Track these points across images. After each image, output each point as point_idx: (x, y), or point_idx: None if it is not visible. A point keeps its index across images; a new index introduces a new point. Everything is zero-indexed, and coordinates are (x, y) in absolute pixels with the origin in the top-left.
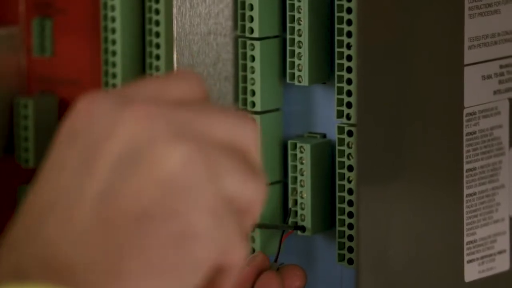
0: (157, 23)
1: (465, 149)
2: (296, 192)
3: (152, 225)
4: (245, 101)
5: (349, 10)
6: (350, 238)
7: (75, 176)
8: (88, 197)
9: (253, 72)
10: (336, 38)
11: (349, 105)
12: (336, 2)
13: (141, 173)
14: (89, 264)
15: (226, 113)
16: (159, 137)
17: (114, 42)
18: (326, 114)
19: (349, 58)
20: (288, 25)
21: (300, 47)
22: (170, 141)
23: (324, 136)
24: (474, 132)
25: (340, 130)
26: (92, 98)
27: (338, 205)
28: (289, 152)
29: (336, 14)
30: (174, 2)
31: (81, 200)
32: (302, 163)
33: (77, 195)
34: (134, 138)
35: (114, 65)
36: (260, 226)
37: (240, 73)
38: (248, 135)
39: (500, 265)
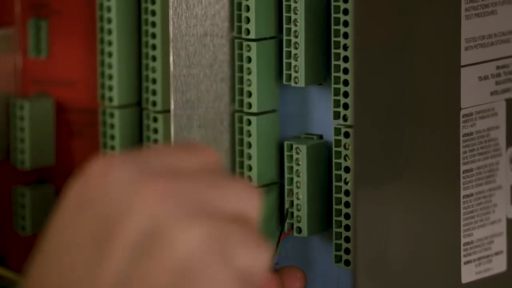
0: (153, 24)
1: (461, 150)
2: (292, 194)
3: None
4: (241, 102)
5: (345, 11)
6: (347, 239)
7: (87, 263)
8: (105, 285)
9: (249, 73)
10: (333, 39)
11: (345, 106)
12: (333, 3)
13: (155, 259)
14: None
15: (235, 185)
16: (174, 219)
17: (110, 43)
18: (323, 115)
19: (345, 59)
20: (284, 26)
21: (296, 48)
22: (185, 224)
23: (320, 137)
24: (471, 133)
25: (337, 131)
26: (107, 164)
27: (334, 207)
28: (285, 153)
29: (333, 15)
30: (170, 4)
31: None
32: (298, 164)
33: (94, 284)
34: (151, 219)
35: (110, 66)
36: None
37: (237, 74)
38: (254, 206)
39: (497, 266)
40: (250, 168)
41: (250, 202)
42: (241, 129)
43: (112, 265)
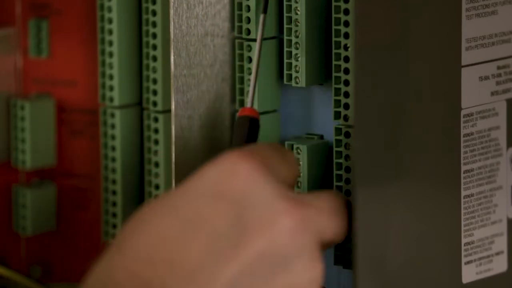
0: (154, 24)
1: (462, 150)
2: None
3: None
4: (242, 102)
5: (346, 12)
6: (348, 240)
7: (219, 248)
8: (223, 283)
9: (250, 74)
10: (333, 39)
11: (346, 106)
12: (333, 4)
13: (274, 283)
14: None
15: (332, 212)
16: (307, 252)
17: (110, 43)
18: (324, 116)
19: (346, 59)
20: (285, 26)
21: (297, 48)
22: (314, 260)
23: (321, 137)
24: (472, 133)
25: (338, 131)
26: (255, 166)
27: None
28: None
29: (333, 16)
30: (171, 4)
31: (216, 284)
32: (299, 165)
33: (215, 274)
34: (283, 245)
35: (111, 66)
36: None
37: (237, 75)
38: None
39: (497, 267)
40: None
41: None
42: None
43: (235, 268)
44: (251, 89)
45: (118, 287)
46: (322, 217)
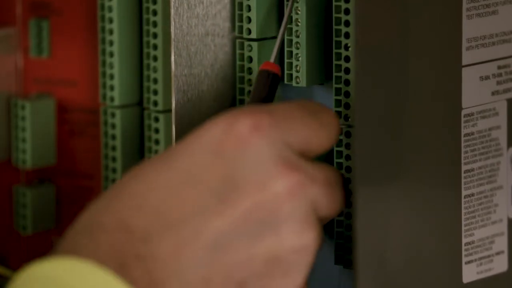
0: (155, 24)
1: (463, 150)
2: None
3: None
4: (242, 102)
5: (346, 11)
6: (348, 239)
7: (208, 203)
8: (206, 237)
9: (250, 73)
10: (334, 39)
11: (347, 106)
12: (334, 3)
13: (261, 245)
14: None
15: (328, 184)
16: (297, 217)
17: (111, 43)
18: None
19: (347, 59)
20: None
21: (297, 48)
22: (298, 229)
23: None
24: (472, 133)
25: None
26: (254, 127)
27: None
28: None
29: (334, 15)
30: (172, 3)
31: (199, 237)
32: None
33: (199, 228)
34: (277, 207)
35: (111, 66)
36: None
37: (238, 74)
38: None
39: (498, 266)
40: None
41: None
42: None
43: (221, 224)
44: (277, 44)
45: (102, 229)
46: (318, 187)
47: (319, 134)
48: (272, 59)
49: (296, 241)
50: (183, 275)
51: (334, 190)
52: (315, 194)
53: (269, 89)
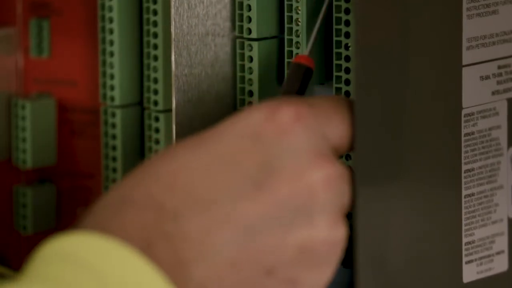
0: (155, 23)
1: (463, 149)
2: None
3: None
4: (243, 102)
5: (347, 11)
6: (348, 239)
7: (242, 187)
8: (238, 221)
9: (251, 73)
10: (334, 38)
11: None
12: (334, 3)
13: (293, 233)
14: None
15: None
16: (331, 210)
17: (111, 43)
18: None
19: (347, 58)
20: (286, 25)
21: (298, 48)
22: (337, 221)
23: None
24: (473, 133)
25: None
26: (296, 118)
27: None
28: None
29: (334, 15)
30: (172, 3)
31: (230, 221)
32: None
33: (231, 211)
34: (312, 197)
35: (111, 66)
36: None
37: (238, 74)
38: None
39: (498, 266)
40: None
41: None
42: None
43: (253, 208)
44: (312, 37)
45: (131, 205)
46: (347, 183)
47: (346, 131)
48: (306, 52)
49: (328, 233)
50: (211, 257)
51: (351, 190)
52: (345, 189)
53: (302, 83)
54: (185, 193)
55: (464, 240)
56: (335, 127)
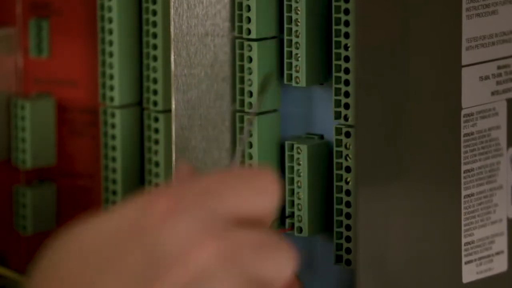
0: (154, 24)
1: (462, 150)
2: (293, 193)
3: None
4: (242, 102)
5: (346, 11)
6: (348, 239)
7: (130, 286)
8: None
9: (250, 73)
10: (334, 39)
11: (346, 106)
12: (334, 3)
13: None
14: None
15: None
16: (235, 284)
17: (111, 43)
18: (324, 115)
19: (346, 59)
20: (285, 26)
21: (297, 48)
22: None
23: (321, 137)
24: (472, 133)
25: (338, 131)
26: (172, 205)
27: (335, 206)
28: (286, 153)
29: (334, 15)
30: (171, 3)
31: None
32: (299, 164)
33: None
34: (203, 275)
35: (111, 66)
36: None
37: (238, 74)
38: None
39: (498, 266)
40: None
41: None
42: (242, 129)
43: None
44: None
45: None
46: (252, 251)
47: (252, 199)
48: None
49: None
50: None
51: (275, 252)
52: (252, 259)
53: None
54: None
55: (464, 240)
56: (224, 201)
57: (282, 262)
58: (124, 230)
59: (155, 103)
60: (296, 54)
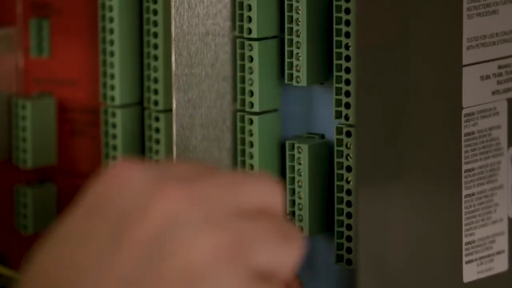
0: (155, 23)
1: (463, 149)
2: (294, 192)
3: None
4: (243, 101)
5: (347, 11)
6: (349, 239)
7: (101, 252)
8: (112, 281)
9: (251, 73)
10: (335, 38)
11: (347, 105)
12: (335, 3)
13: (166, 260)
14: None
15: (255, 181)
16: (190, 225)
17: (112, 42)
18: (325, 115)
19: (347, 58)
20: (286, 25)
21: (298, 48)
22: (201, 229)
23: (322, 136)
24: (473, 133)
25: (339, 130)
26: (128, 166)
27: (336, 206)
28: (287, 152)
29: (335, 15)
30: (172, 3)
31: (105, 284)
32: (300, 164)
33: (101, 276)
34: (165, 222)
35: (112, 65)
36: None
37: (238, 74)
38: (277, 199)
39: (498, 266)
40: (251, 168)
41: (272, 196)
42: (243, 129)
43: (122, 263)
44: None
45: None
46: (214, 186)
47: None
48: None
49: (199, 245)
50: None
51: (285, 243)
52: (255, 253)
53: None
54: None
55: (464, 240)
56: (247, 192)
57: (285, 249)
58: (90, 203)
59: (156, 103)
60: (297, 53)
